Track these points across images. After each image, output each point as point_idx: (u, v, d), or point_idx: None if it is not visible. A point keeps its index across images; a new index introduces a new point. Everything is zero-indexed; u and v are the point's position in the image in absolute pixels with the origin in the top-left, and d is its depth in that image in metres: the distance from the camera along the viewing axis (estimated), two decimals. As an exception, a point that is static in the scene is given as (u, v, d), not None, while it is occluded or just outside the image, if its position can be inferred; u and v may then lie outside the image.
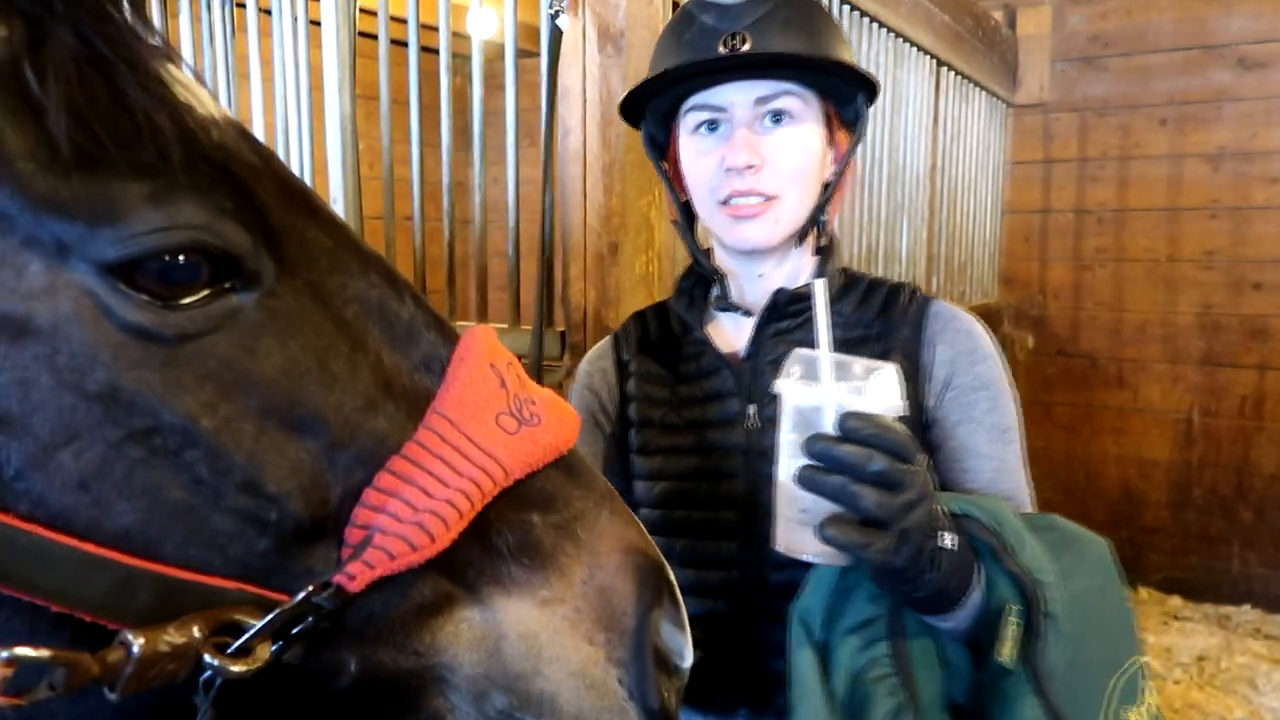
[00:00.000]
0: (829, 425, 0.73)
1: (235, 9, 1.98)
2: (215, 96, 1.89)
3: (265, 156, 0.60)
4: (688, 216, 1.08)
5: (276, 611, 0.54)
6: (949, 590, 0.77)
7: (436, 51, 1.78)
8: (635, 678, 0.61)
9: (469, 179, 1.82)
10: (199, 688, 0.54)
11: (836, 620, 0.86)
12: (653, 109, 1.04)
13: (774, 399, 0.97)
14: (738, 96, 0.97)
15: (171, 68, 0.58)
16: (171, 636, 0.52)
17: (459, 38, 2.20)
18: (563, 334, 1.64)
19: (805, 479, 0.72)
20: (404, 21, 1.80)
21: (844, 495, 0.70)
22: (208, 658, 0.53)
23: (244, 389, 0.55)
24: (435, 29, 1.77)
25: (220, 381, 0.54)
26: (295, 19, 1.85)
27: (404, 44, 1.82)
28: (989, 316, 2.20)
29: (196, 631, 0.53)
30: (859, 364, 0.77)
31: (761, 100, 0.96)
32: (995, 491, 0.96)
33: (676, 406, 1.05)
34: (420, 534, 0.56)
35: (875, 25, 2.35)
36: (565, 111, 1.56)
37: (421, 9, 1.78)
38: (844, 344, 0.96)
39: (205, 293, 0.54)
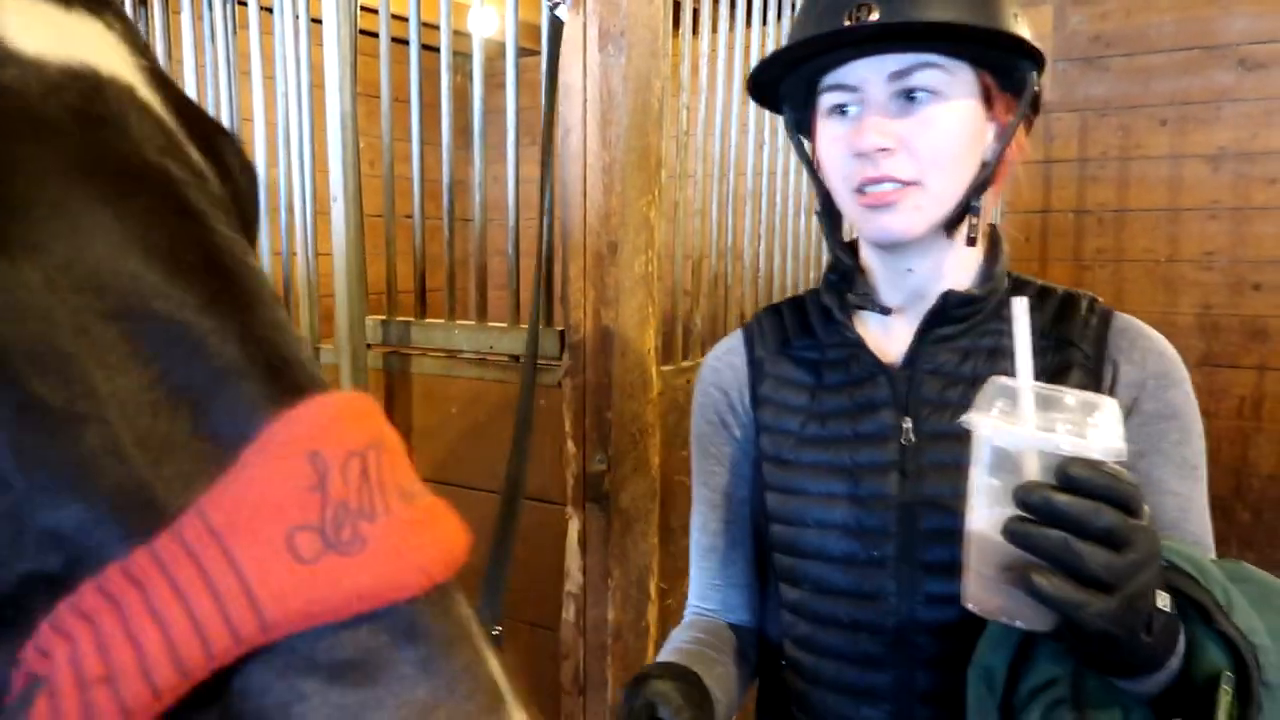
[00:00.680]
0: (1035, 470, 0.63)
1: (237, 6, 1.98)
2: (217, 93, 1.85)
3: (97, 117, 0.41)
4: (830, 206, 0.96)
5: None
6: (1155, 654, 0.67)
7: (438, 49, 1.78)
8: None
9: (469, 177, 1.82)
10: None
11: (1021, 680, 0.77)
12: (786, 92, 0.94)
13: (931, 412, 0.88)
14: (869, 73, 0.85)
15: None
16: None
17: (460, 36, 2.20)
18: (561, 333, 1.64)
19: (1018, 533, 0.62)
20: (405, 19, 1.80)
21: (1066, 555, 0.60)
22: None
23: None
24: (436, 27, 1.77)
25: None
26: (296, 16, 1.85)
27: (405, 42, 1.82)
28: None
29: None
30: (1069, 396, 0.67)
31: (896, 75, 0.84)
32: (1180, 532, 0.86)
33: (819, 416, 0.94)
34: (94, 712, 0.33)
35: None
36: (566, 110, 1.57)
37: (423, 7, 1.78)
38: (1010, 355, 0.86)
39: None
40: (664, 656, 0.97)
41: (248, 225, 0.49)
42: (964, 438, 0.70)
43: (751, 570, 1.03)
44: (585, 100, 1.55)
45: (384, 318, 1.90)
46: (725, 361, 1.03)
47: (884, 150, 0.84)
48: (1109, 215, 3.53)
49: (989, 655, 0.78)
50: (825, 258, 2.43)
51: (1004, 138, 0.88)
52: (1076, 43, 3.51)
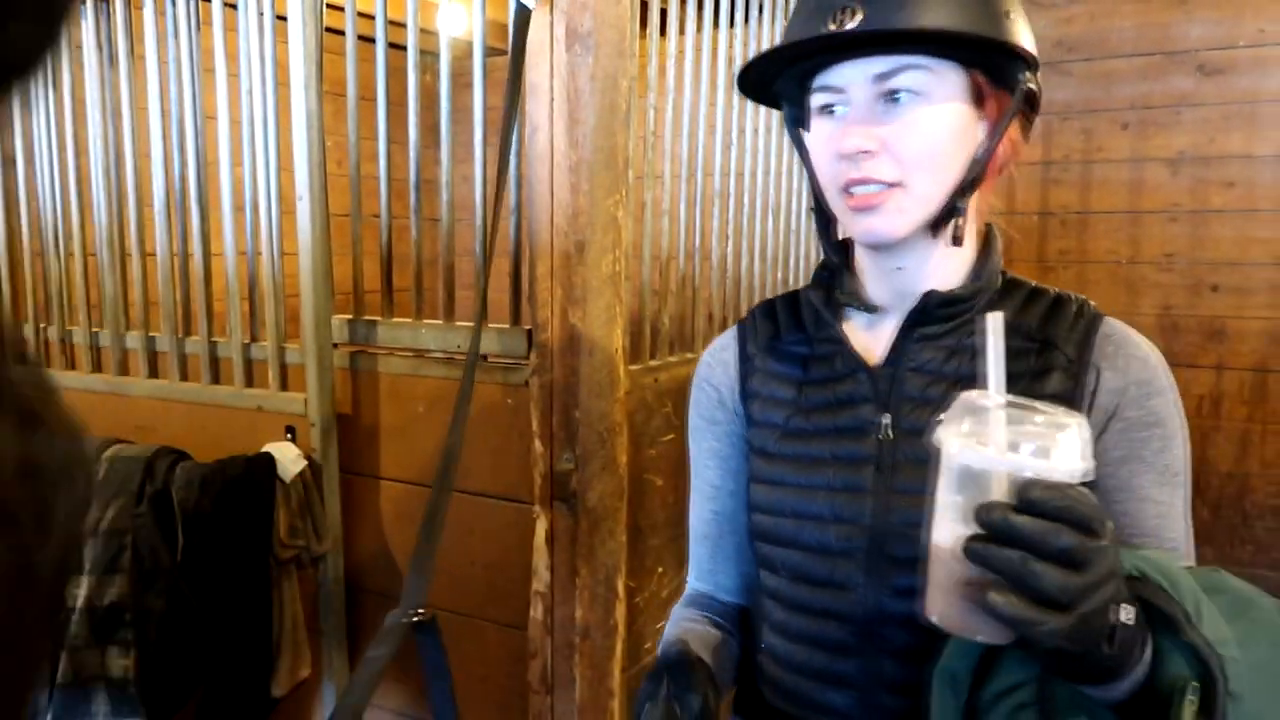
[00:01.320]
0: (999, 490, 0.64)
1: (200, 3, 1.96)
2: (180, 91, 1.84)
3: None
4: (823, 204, 0.96)
5: None
6: (1118, 665, 0.68)
7: (405, 48, 1.77)
8: None
9: (436, 176, 1.81)
10: None
11: (985, 683, 0.77)
12: (780, 90, 0.95)
13: (912, 409, 0.89)
14: (854, 75, 0.85)
15: None
16: None
17: (427, 34, 2.19)
18: (529, 332, 1.64)
19: (978, 552, 0.63)
20: (371, 17, 1.79)
21: (1023, 574, 0.61)
22: None
23: None
24: (403, 25, 1.76)
25: None
26: (261, 14, 1.83)
27: (372, 40, 1.81)
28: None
29: None
30: (1038, 415, 0.67)
31: (881, 77, 0.84)
32: (1159, 540, 0.86)
33: (804, 410, 0.96)
34: None
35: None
36: (533, 109, 1.57)
37: (389, 5, 1.78)
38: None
39: None
40: (672, 632, 1.03)
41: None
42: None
43: (742, 556, 1.06)
44: (552, 99, 1.55)
45: (350, 317, 1.89)
46: (718, 358, 1.06)
47: (866, 152, 0.84)
48: (1072, 217, 3.58)
49: (953, 658, 0.79)
50: (793, 258, 2.45)
51: (993, 134, 0.88)
52: (1040, 47, 3.51)
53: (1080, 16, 3.51)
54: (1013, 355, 0.87)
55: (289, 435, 1.86)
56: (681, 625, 1.05)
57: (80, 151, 2.17)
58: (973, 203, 0.90)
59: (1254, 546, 3.38)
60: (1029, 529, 0.61)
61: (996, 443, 0.66)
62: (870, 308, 0.94)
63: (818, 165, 0.91)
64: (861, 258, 0.97)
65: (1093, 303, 0.94)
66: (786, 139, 1.99)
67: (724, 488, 1.06)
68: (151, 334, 2.10)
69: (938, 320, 0.91)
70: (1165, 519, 0.87)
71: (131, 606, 1.75)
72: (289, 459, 1.79)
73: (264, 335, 1.93)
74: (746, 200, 2.23)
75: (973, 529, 0.64)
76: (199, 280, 2.00)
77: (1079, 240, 3.58)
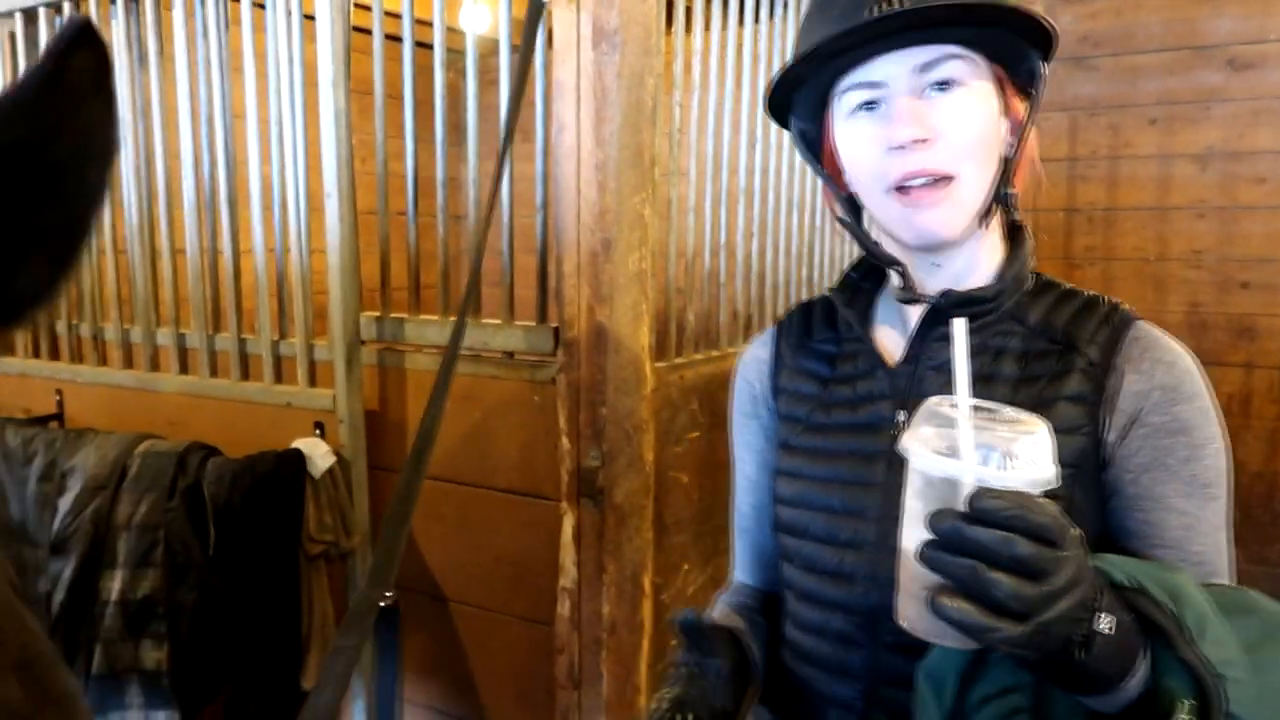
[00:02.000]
0: (960, 498, 0.64)
1: (229, 3, 1.98)
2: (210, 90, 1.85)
3: None
4: (853, 210, 0.95)
5: None
6: (1102, 675, 0.67)
7: (431, 46, 1.79)
8: None
9: (462, 174, 1.82)
10: None
11: (971, 686, 0.77)
12: (800, 100, 0.92)
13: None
14: (895, 69, 0.83)
15: None
16: None
17: (453, 32, 2.20)
18: (556, 330, 1.65)
19: (930, 559, 0.64)
20: (398, 16, 1.80)
21: (973, 584, 0.62)
22: None
23: None
24: (430, 24, 1.77)
25: None
26: (289, 13, 1.85)
27: (399, 39, 1.82)
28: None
29: None
30: (1005, 418, 0.67)
31: (924, 68, 0.83)
32: (1183, 553, 0.83)
33: (825, 405, 0.97)
34: None
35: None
36: (560, 108, 1.57)
37: (416, 4, 1.79)
38: (1021, 357, 0.88)
39: None
40: (714, 616, 1.06)
41: None
42: None
43: (777, 548, 1.07)
44: (579, 98, 1.56)
45: (378, 314, 1.90)
46: (754, 355, 1.08)
47: (920, 142, 0.82)
48: (1098, 214, 3.55)
49: (939, 659, 0.79)
50: (818, 254, 2.44)
51: (1020, 131, 0.88)
52: (1066, 42, 3.52)
53: (1106, 11, 3.47)
54: (1036, 356, 0.88)
55: (318, 431, 1.88)
56: (716, 609, 1.09)
57: (111, 151, 2.19)
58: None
59: (1283, 546, 3.34)
60: (980, 538, 0.61)
61: (960, 450, 0.66)
62: (929, 300, 0.91)
63: (860, 164, 0.88)
64: (897, 254, 0.94)
65: (1128, 306, 0.92)
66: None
67: (759, 482, 1.07)
68: (182, 331, 2.12)
69: (950, 319, 0.90)
70: (1191, 531, 0.84)
71: (164, 600, 1.77)
72: (318, 455, 1.81)
73: (293, 332, 1.95)
74: (772, 197, 2.22)
75: (929, 535, 0.65)
76: (228, 277, 2.02)
77: (1105, 237, 3.55)
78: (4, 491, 1.95)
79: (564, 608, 1.66)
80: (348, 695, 1.96)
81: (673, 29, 1.87)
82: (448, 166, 1.80)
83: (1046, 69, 0.89)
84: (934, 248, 0.89)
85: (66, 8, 2.20)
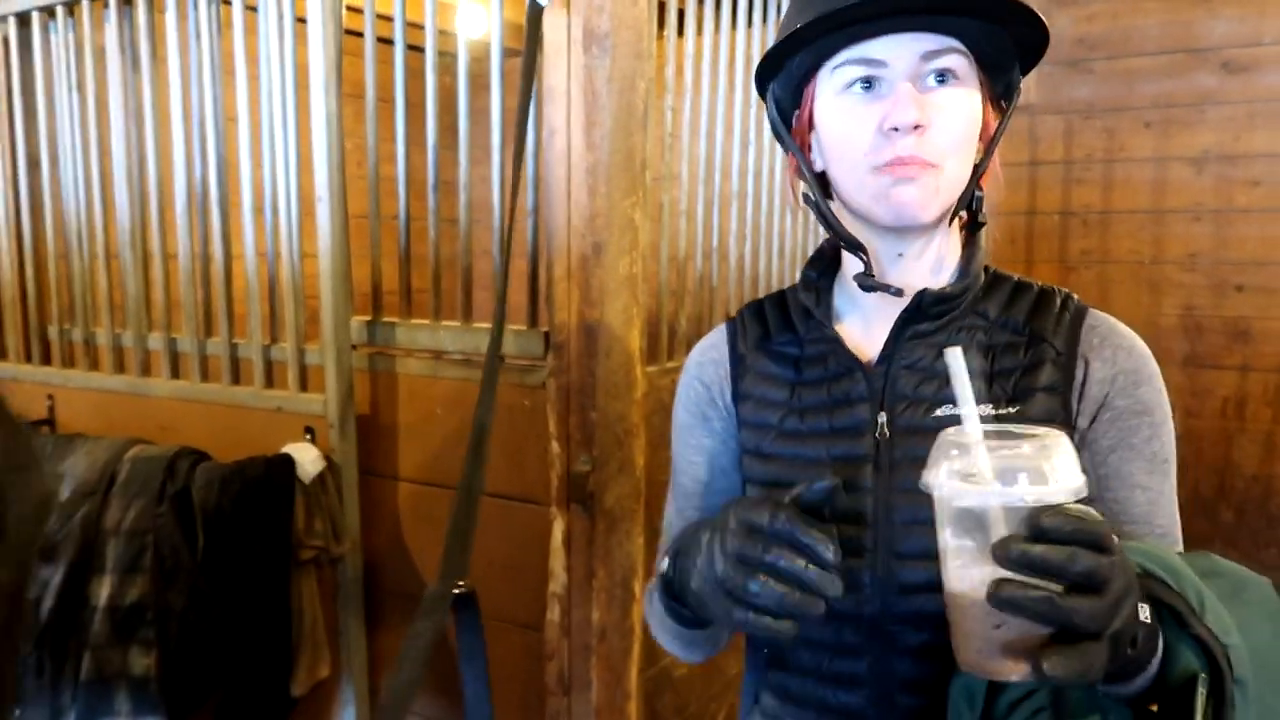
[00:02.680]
0: (1003, 526, 0.63)
1: (221, 6, 1.97)
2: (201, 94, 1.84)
3: None
4: (823, 188, 0.93)
5: None
6: (1141, 663, 0.68)
7: (423, 49, 1.78)
8: None
9: (455, 178, 1.81)
10: None
11: (1000, 693, 0.78)
12: (789, 71, 0.90)
13: (906, 407, 0.89)
14: (901, 50, 0.83)
15: None
16: None
17: (446, 35, 2.20)
18: (546, 334, 1.64)
19: (1003, 598, 0.61)
20: (390, 19, 1.80)
21: (1054, 615, 0.60)
22: None
23: None
24: (422, 27, 1.76)
25: None
26: (281, 16, 1.84)
27: (391, 42, 1.82)
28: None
29: None
30: (1020, 437, 0.67)
31: (928, 56, 0.83)
32: (1149, 526, 0.88)
33: (798, 411, 0.94)
34: None
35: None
36: (550, 111, 1.57)
37: (408, 7, 1.78)
38: (987, 350, 0.89)
39: None
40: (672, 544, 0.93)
41: None
42: (936, 433, 0.71)
43: None
44: (569, 101, 1.55)
45: (369, 318, 1.89)
46: (709, 356, 1.04)
47: (919, 127, 0.82)
48: (1094, 217, 3.55)
49: (969, 675, 0.78)
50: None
51: (993, 140, 0.89)
52: (1062, 45, 3.53)
53: (1102, 14, 3.47)
54: (1003, 350, 0.90)
55: (308, 436, 1.88)
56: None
57: (104, 154, 2.19)
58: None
59: (1279, 549, 3.33)
60: (1050, 557, 0.60)
61: (987, 477, 0.65)
62: (897, 291, 0.90)
63: (847, 140, 0.86)
64: (863, 240, 0.92)
65: (1076, 295, 0.94)
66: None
67: (712, 485, 1.03)
68: (173, 335, 2.11)
69: (930, 318, 0.91)
70: (1155, 505, 0.88)
71: (153, 606, 1.76)
72: (308, 460, 1.80)
73: (284, 337, 1.95)
74: (765, 199, 2.22)
75: (989, 569, 0.63)
76: (220, 282, 2.02)
77: (1101, 240, 3.55)
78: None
79: (554, 614, 1.65)
80: (337, 700, 1.95)
81: (664, 32, 1.87)
82: (439, 170, 1.80)
83: (1021, 82, 0.90)
84: (905, 229, 0.88)
85: (60, 12, 2.20)
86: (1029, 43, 0.87)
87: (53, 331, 2.35)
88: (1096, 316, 0.92)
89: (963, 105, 0.84)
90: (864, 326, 0.96)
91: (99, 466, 1.87)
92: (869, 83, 0.85)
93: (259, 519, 1.76)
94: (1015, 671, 0.65)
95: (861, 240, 0.92)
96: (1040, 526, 0.61)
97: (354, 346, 1.89)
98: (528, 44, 1.55)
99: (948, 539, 0.67)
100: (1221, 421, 3.34)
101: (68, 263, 2.29)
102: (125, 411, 2.14)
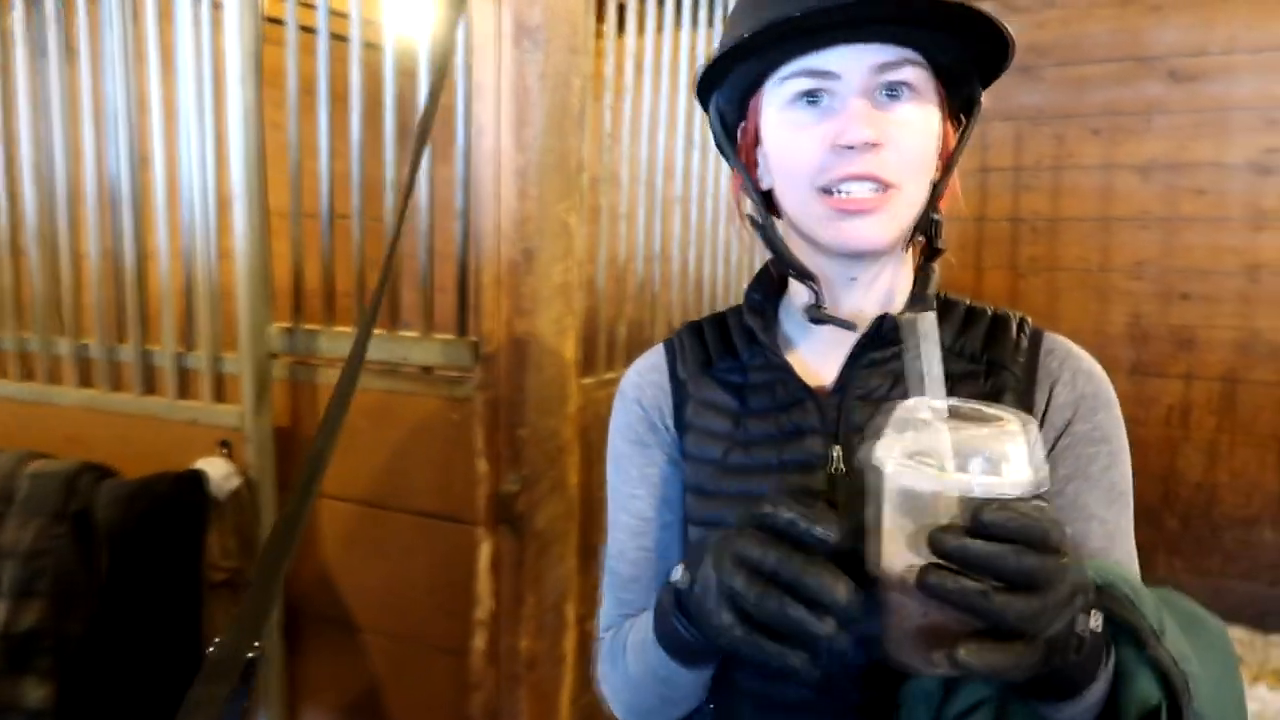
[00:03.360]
0: (950, 512, 0.59)
1: (134, -10, 1.85)
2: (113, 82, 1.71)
3: None
4: (768, 209, 0.86)
5: None
6: (1084, 674, 0.64)
7: (348, 39, 1.68)
8: None
9: (382, 176, 1.71)
10: None
11: (949, 701, 0.74)
12: (733, 81, 0.84)
13: (860, 440, 0.78)
14: (853, 62, 0.77)
15: None
16: None
17: (371, 25, 2.10)
18: (475, 344, 1.55)
19: (931, 586, 0.57)
20: (313, 7, 1.69)
21: (984, 610, 0.56)
22: None
23: None
24: (346, 16, 1.66)
25: None
26: (197, 2, 1.73)
27: (314, 30, 1.71)
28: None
29: None
30: (982, 418, 0.62)
31: (882, 68, 0.77)
32: (1106, 559, 0.82)
33: (744, 444, 0.86)
34: None
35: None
36: (478, 109, 1.48)
37: (331, -5, 1.68)
38: (945, 379, 0.79)
39: None
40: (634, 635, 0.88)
41: None
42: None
43: None
44: (499, 98, 1.46)
45: (289, 325, 1.79)
46: (648, 379, 0.95)
47: (872, 145, 0.76)
48: (1043, 223, 3.55)
49: (916, 685, 0.75)
50: (758, 263, 2.37)
51: (952, 157, 0.84)
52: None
53: (1053, 21, 3.47)
54: (961, 379, 0.84)
55: (224, 450, 1.76)
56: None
57: (9, 145, 2.05)
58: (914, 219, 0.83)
59: (1222, 556, 3.35)
60: (986, 554, 0.56)
61: (941, 459, 0.60)
62: (850, 326, 0.84)
63: (793, 159, 0.80)
64: (811, 264, 0.86)
65: (1029, 319, 0.90)
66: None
67: (656, 520, 0.94)
68: (82, 340, 1.98)
69: (887, 344, 0.85)
70: (1113, 538, 0.83)
71: (50, 632, 1.64)
72: (221, 475, 1.69)
73: (199, 344, 1.83)
74: (709, 204, 2.15)
75: (923, 556, 0.58)
76: (131, 283, 1.89)
77: (1050, 247, 3.54)
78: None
79: (480, 641, 1.56)
80: (256, 730, 1.84)
81: (604, 28, 1.79)
82: (365, 167, 1.70)
83: (981, 95, 0.85)
84: (858, 258, 0.82)
85: (-41, -8, 2.05)
86: (990, 54, 0.82)
87: (-47, 334, 2.20)
88: (1053, 340, 0.88)
89: (920, 121, 0.79)
90: (814, 353, 0.89)
91: (-6, 482, 1.74)
92: (820, 95, 0.78)
93: (167, 539, 1.65)
94: (935, 666, 0.61)
95: (811, 265, 0.85)
96: (983, 520, 0.56)
97: (273, 355, 1.78)
98: (443, 33, 1.45)
99: (887, 517, 0.62)
100: (1166, 430, 3.35)
101: (-31, 261, 2.14)
102: (29, 421, 2.00)
